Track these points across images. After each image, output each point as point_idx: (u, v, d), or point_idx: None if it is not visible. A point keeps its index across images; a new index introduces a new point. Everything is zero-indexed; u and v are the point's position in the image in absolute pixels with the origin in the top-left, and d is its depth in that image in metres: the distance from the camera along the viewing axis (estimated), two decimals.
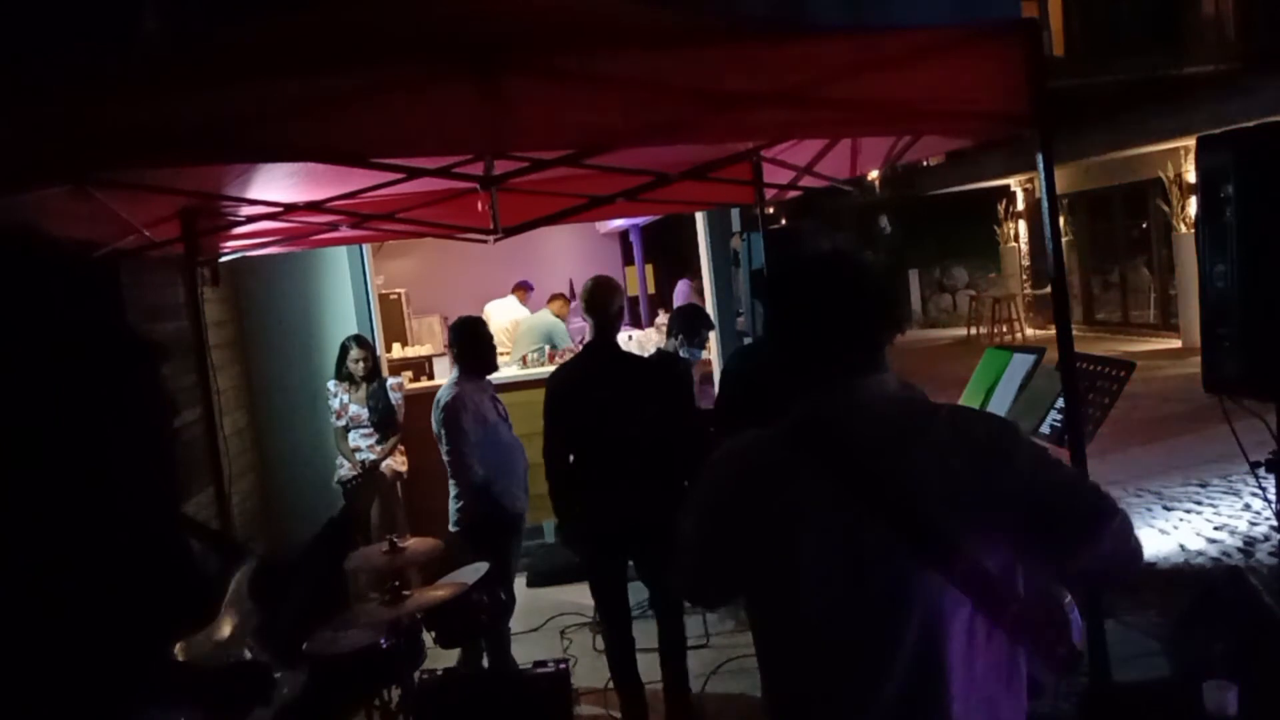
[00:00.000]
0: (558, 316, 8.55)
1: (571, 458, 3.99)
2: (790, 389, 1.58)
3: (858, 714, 1.49)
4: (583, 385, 3.93)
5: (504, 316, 9.43)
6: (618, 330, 4.01)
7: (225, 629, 2.51)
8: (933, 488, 1.43)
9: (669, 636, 4.02)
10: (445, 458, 4.42)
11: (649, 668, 4.36)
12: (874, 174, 16.42)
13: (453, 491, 4.56)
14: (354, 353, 5.52)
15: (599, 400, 3.86)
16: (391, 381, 5.82)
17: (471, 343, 4.49)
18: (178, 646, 2.30)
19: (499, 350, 9.02)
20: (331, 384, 5.61)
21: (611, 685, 4.25)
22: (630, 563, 4.09)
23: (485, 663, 4.41)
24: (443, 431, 4.36)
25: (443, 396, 4.43)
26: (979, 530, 1.43)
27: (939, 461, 1.44)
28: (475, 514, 4.44)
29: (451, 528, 4.55)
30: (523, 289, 9.64)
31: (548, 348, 7.82)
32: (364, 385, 5.59)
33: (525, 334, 8.37)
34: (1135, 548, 1.51)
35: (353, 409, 5.58)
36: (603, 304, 3.93)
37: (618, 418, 3.81)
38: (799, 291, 1.62)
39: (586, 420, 3.88)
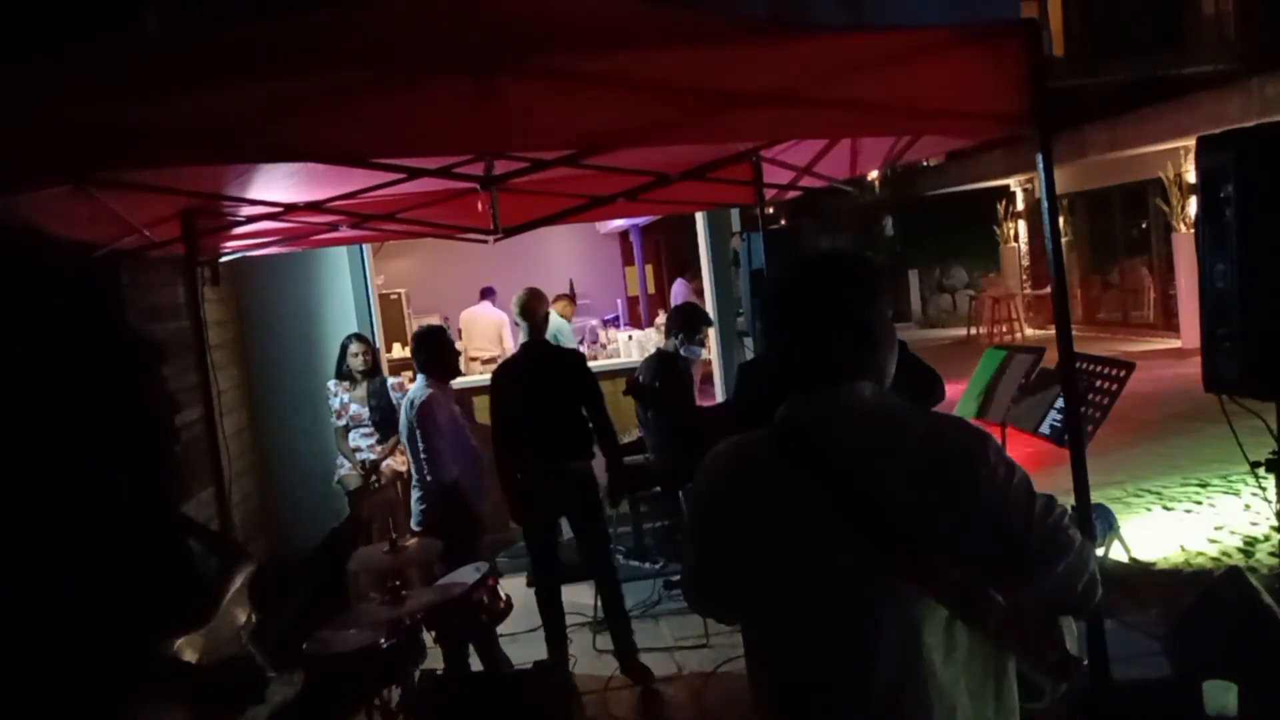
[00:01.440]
0: (562, 316, 8.55)
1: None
2: (782, 392, 1.59)
3: (836, 718, 1.49)
4: (518, 376, 4.58)
5: (485, 320, 9.40)
6: (544, 330, 4.67)
7: (223, 629, 2.51)
8: (901, 498, 1.42)
9: (607, 601, 4.56)
10: (421, 456, 4.46)
11: (661, 666, 4.48)
12: (874, 174, 16.45)
13: (416, 493, 4.60)
14: (353, 347, 5.53)
15: (531, 388, 4.49)
16: (391, 381, 5.83)
17: (435, 350, 4.56)
18: (175, 645, 2.30)
19: (487, 354, 9.02)
20: (331, 384, 5.61)
21: (612, 685, 4.27)
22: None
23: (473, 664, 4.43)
24: (418, 430, 4.41)
25: (416, 396, 4.47)
26: (946, 542, 1.41)
27: (908, 472, 1.43)
28: (443, 514, 4.48)
29: (415, 527, 4.59)
30: (488, 293, 9.64)
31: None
32: (364, 384, 5.59)
33: None
34: (1084, 591, 1.49)
35: (353, 408, 5.57)
36: (534, 311, 4.60)
37: (546, 402, 4.46)
38: (777, 298, 1.62)
39: (521, 405, 4.51)
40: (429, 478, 4.47)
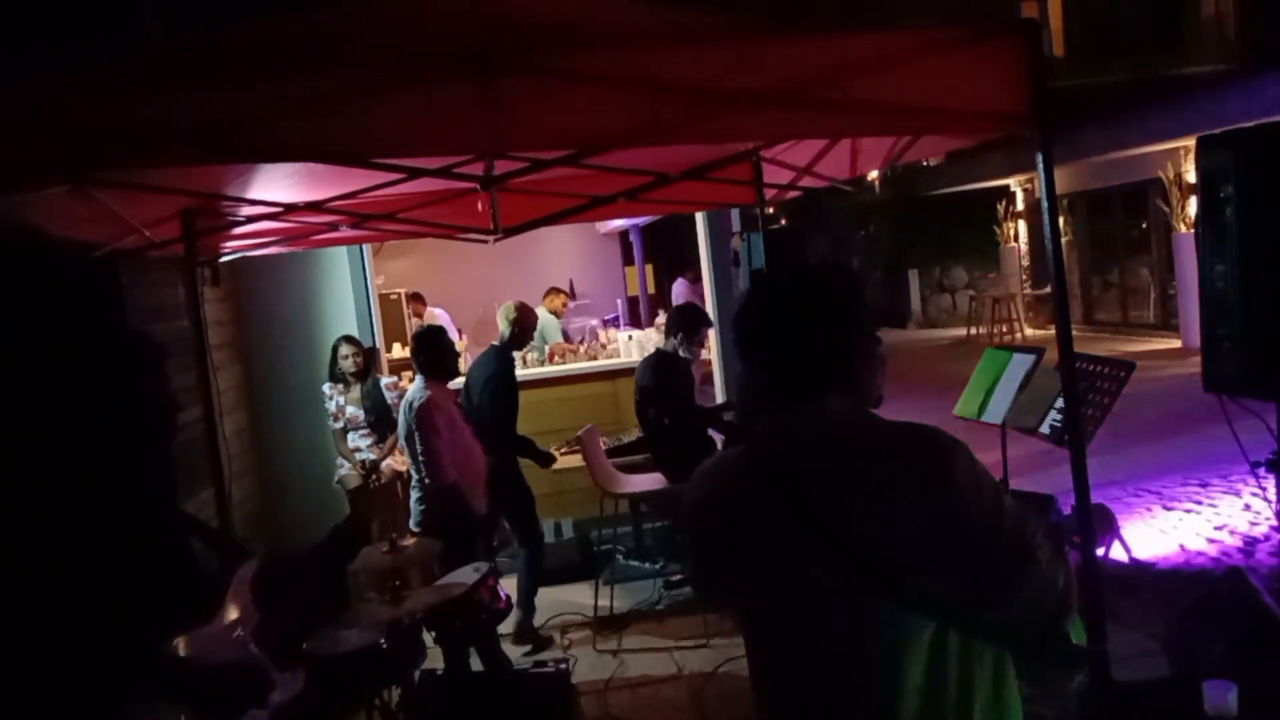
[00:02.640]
0: (551, 312, 8.46)
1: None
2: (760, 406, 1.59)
3: None
4: (476, 374, 5.13)
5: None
6: (520, 342, 5.21)
7: (224, 628, 2.51)
8: (868, 515, 1.41)
9: (520, 572, 5.10)
10: (419, 458, 4.47)
11: (661, 665, 4.50)
12: (874, 174, 16.45)
13: (415, 494, 4.62)
14: (343, 349, 5.53)
15: (490, 386, 5.04)
16: (386, 381, 5.82)
17: (434, 352, 4.59)
18: (176, 644, 2.30)
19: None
20: (326, 386, 5.61)
21: (612, 685, 4.27)
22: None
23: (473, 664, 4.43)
24: (417, 432, 4.42)
25: (415, 398, 4.47)
26: (918, 557, 1.40)
27: (875, 489, 1.42)
28: (443, 515, 4.49)
29: (414, 528, 4.60)
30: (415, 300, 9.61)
31: (548, 347, 7.80)
32: (357, 385, 5.58)
33: None
34: (1054, 612, 1.47)
35: (349, 410, 5.57)
36: (524, 320, 5.13)
37: (497, 402, 5.01)
38: (746, 314, 1.61)
39: (471, 400, 5.10)
40: (427, 479, 4.47)
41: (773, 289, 1.63)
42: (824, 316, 1.53)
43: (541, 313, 8.41)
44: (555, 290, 8.94)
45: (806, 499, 1.45)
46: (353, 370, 5.53)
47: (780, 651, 1.55)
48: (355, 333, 5.81)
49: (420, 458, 4.44)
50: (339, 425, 5.59)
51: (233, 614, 2.57)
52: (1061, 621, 1.50)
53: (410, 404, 4.48)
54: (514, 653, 4.60)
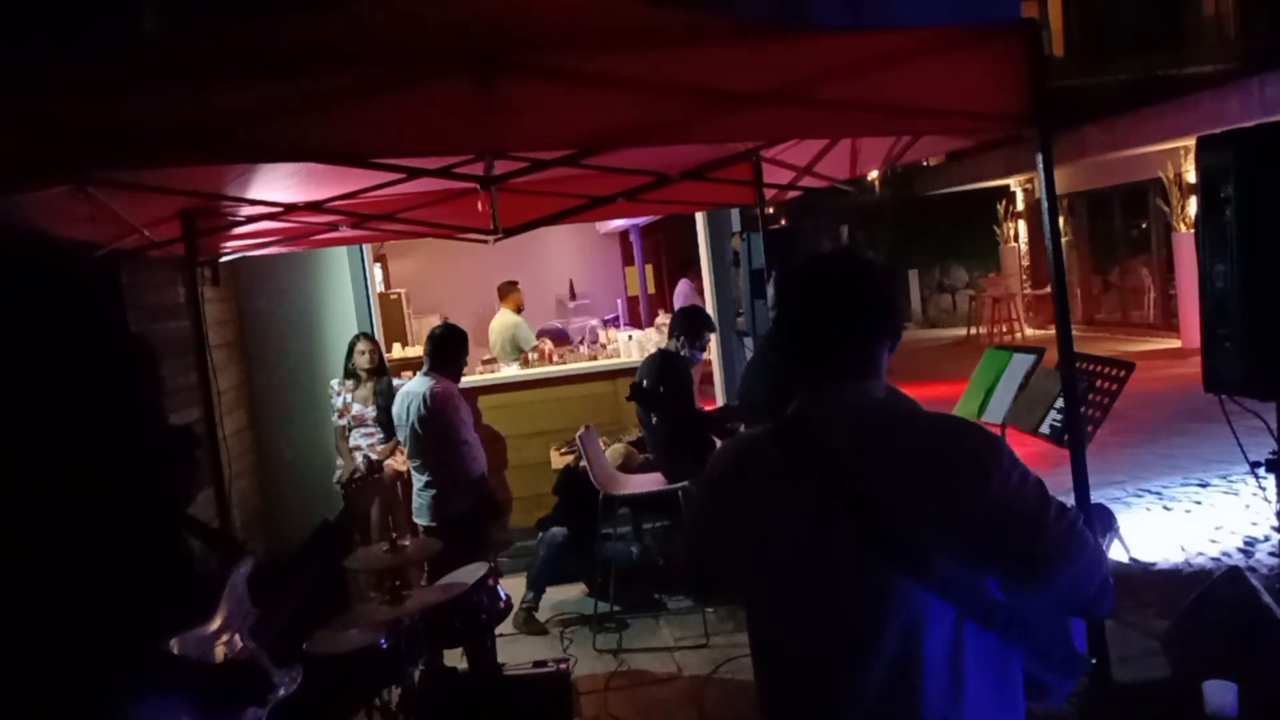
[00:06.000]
0: (515, 311, 8.24)
1: None
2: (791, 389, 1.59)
3: (836, 717, 1.49)
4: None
5: None
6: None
7: (221, 626, 2.51)
8: (904, 497, 1.42)
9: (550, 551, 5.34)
10: (442, 449, 4.50)
11: (661, 665, 4.51)
12: (874, 174, 16.45)
13: (424, 487, 4.64)
14: (360, 345, 5.56)
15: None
16: (399, 382, 5.83)
17: (457, 349, 4.68)
18: (174, 642, 2.30)
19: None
20: (334, 382, 5.61)
21: (612, 685, 4.28)
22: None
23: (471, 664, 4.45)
24: (440, 421, 4.46)
25: (426, 389, 4.50)
26: (949, 541, 1.42)
27: (912, 472, 1.43)
28: (466, 507, 4.56)
29: (425, 522, 4.62)
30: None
31: (547, 347, 7.77)
32: (369, 383, 5.59)
33: (494, 340, 8.26)
34: (1097, 595, 1.49)
35: (355, 408, 5.57)
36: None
37: None
38: (786, 296, 1.62)
39: None
40: (457, 469, 4.51)
41: (831, 270, 1.61)
42: (882, 301, 1.57)
43: (509, 316, 8.14)
44: (509, 285, 8.39)
45: (841, 474, 1.46)
46: (367, 366, 5.54)
47: (790, 630, 1.54)
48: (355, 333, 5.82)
49: (443, 448, 4.46)
50: (342, 422, 5.59)
51: (230, 612, 2.57)
52: (1100, 608, 1.53)
53: (424, 394, 4.47)
54: (513, 651, 4.59)
